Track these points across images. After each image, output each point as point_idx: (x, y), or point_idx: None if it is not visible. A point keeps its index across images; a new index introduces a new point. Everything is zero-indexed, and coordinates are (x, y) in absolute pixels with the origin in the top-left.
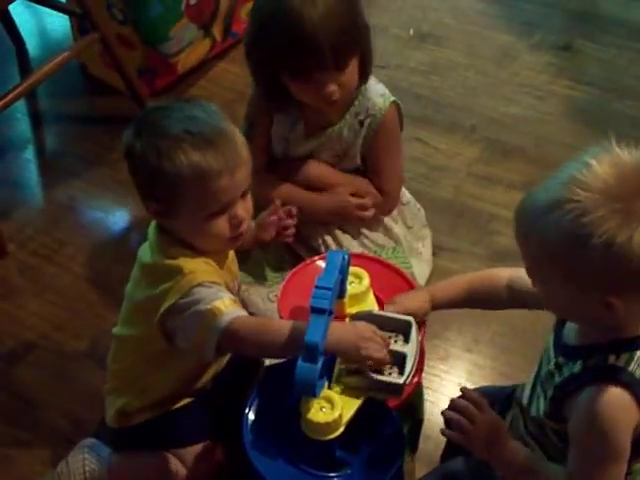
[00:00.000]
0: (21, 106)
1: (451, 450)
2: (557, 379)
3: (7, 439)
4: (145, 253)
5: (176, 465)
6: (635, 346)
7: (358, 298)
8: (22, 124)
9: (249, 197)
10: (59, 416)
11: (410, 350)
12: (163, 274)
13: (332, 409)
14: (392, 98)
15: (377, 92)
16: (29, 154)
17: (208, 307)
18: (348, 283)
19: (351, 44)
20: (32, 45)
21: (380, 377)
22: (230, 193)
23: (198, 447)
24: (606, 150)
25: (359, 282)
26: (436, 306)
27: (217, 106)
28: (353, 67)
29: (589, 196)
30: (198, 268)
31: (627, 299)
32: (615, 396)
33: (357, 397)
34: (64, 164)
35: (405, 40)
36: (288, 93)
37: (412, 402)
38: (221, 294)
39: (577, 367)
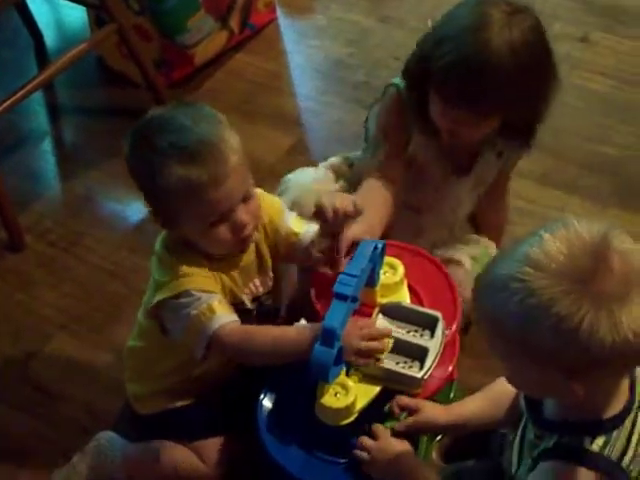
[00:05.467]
0: (39, 98)
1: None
2: (535, 452)
3: (25, 431)
4: (158, 240)
5: (193, 458)
6: (611, 427)
7: (391, 288)
8: (40, 116)
9: (253, 199)
10: (77, 408)
11: (433, 345)
12: (163, 266)
13: (346, 395)
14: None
15: None
16: (47, 146)
17: (196, 312)
18: (382, 273)
19: (505, 106)
20: (49, 37)
21: (397, 369)
22: (224, 203)
23: (215, 441)
24: (564, 225)
25: (393, 272)
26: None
27: (214, 110)
28: (492, 123)
29: (538, 275)
30: (194, 272)
31: (587, 382)
32: (585, 478)
33: (374, 386)
34: (82, 156)
35: (423, 32)
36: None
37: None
38: (211, 300)
39: (552, 441)
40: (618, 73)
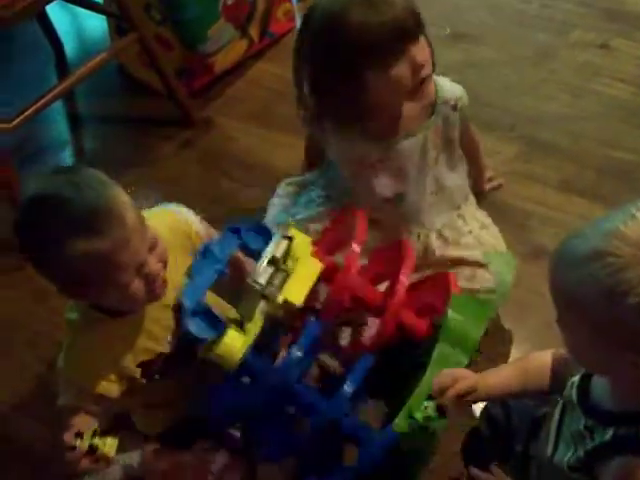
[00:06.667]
0: (59, 107)
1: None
2: (589, 444)
3: (46, 441)
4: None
5: (206, 469)
6: None
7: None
8: (60, 125)
9: (158, 245)
10: None
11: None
12: (70, 338)
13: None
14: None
15: (446, 81)
16: (67, 155)
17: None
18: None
19: (417, 20)
20: (70, 46)
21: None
22: (133, 262)
23: (225, 456)
24: None
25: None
26: (489, 392)
27: (92, 169)
28: (424, 43)
29: (631, 252)
30: (97, 375)
31: None
32: None
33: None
34: (102, 164)
35: (442, 39)
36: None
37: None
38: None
39: (608, 435)
40: (638, 79)
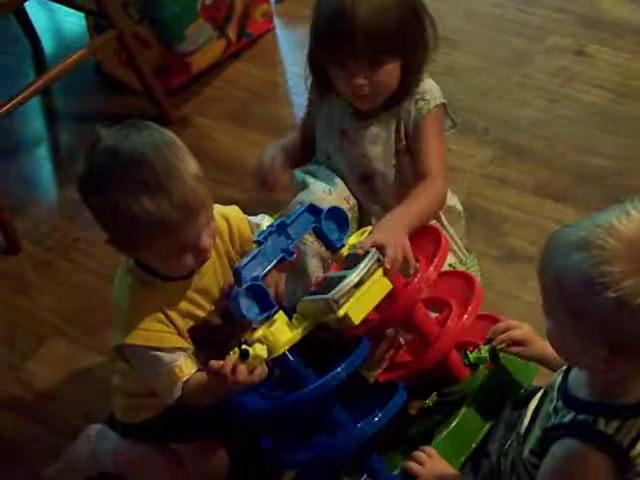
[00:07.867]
0: (36, 104)
1: None
2: (549, 423)
3: (20, 432)
4: (122, 268)
5: (179, 460)
6: (629, 414)
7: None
8: (37, 121)
9: (213, 221)
10: (71, 410)
11: (352, 274)
12: (129, 303)
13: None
14: (443, 99)
15: (434, 85)
16: (43, 151)
17: (167, 369)
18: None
19: (389, 46)
20: (48, 43)
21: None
22: (194, 236)
23: (201, 445)
24: None
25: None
26: (534, 351)
27: (168, 132)
28: (391, 70)
29: (617, 246)
30: (162, 328)
31: (629, 363)
32: (593, 458)
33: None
34: (78, 161)
35: None
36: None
37: None
38: (181, 359)
39: (568, 418)
40: (613, 85)
